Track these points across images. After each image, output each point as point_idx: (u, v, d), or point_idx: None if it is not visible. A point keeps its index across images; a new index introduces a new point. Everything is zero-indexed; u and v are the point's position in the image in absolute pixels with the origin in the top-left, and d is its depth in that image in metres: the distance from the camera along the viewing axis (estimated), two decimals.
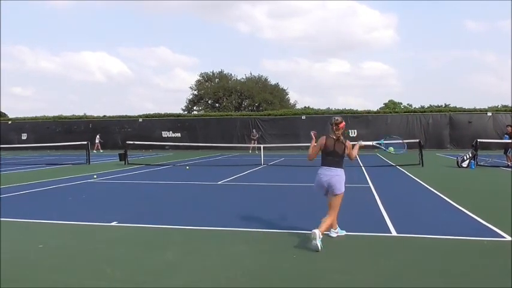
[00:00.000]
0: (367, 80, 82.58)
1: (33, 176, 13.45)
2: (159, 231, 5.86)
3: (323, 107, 45.60)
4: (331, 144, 5.06)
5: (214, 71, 57.33)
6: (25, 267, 4.29)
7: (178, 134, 32.79)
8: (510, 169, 14.11)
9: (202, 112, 51.18)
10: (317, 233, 4.63)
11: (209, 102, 55.67)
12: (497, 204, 7.77)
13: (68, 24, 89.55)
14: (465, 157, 15.27)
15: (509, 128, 15.95)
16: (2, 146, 26.90)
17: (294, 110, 38.66)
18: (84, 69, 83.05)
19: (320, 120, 27.79)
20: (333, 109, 38.93)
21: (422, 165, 15.32)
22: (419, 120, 29.59)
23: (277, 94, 54.67)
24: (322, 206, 5.54)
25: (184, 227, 6.01)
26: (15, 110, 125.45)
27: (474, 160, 15.09)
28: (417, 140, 17.43)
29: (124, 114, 36.38)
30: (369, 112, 31.84)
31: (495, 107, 31.70)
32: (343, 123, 5.13)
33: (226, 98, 53.83)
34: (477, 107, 30.64)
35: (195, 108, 56.17)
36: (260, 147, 19.59)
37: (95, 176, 12.85)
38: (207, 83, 56.69)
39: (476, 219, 6.21)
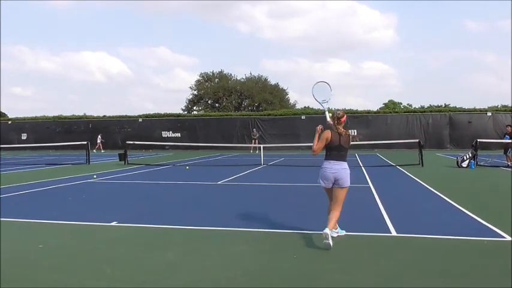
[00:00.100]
0: (367, 80, 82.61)
1: (33, 176, 13.44)
2: (159, 231, 5.86)
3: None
4: (337, 139, 5.06)
5: (214, 71, 57.39)
6: (25, 267, 4.29)
7: (178, 134, 32.79)
8: (510, 169, 14.10)
9: (202, 112, 51.15)
10: (328, 232, 4.63)
11: (209, 102, 55.66)
12: (497, 204, 7.77)
13: (68, 24, 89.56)
14: (465, 157, 15.26)
15: (509, 128, 15.92)
16: (2, 146, 26.91)
17: (293, 110, 38.66)
18: (84, 69, 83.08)
19: (320, 120, 27.50)
20: (333, 109, 38.75)
21: (422, 165, 15.33)
22: (419, 120, 29.58)
23: (277, 94, 54.64)
24: (322, 205, 5.54)
25: (184, 227, 6.00)
26: (15, 110, 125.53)
27: (474, 160, 15.08)
28: (417, 140, 17.46)
29: (124, 114, 36.45)
30: (368, 112, 31.85)
31: (495, 107, 31.71)
32: (345, 116, 5.17)
33: (226, 98, 53.81)
34: (477, 107, 30.68)
35: (195, 108, 56.18)
36: (260, 147, 19.61)
37: (95, 176, 12.85)
38: (207, 83, 56.68)
39: (476, 219, 6.21)
